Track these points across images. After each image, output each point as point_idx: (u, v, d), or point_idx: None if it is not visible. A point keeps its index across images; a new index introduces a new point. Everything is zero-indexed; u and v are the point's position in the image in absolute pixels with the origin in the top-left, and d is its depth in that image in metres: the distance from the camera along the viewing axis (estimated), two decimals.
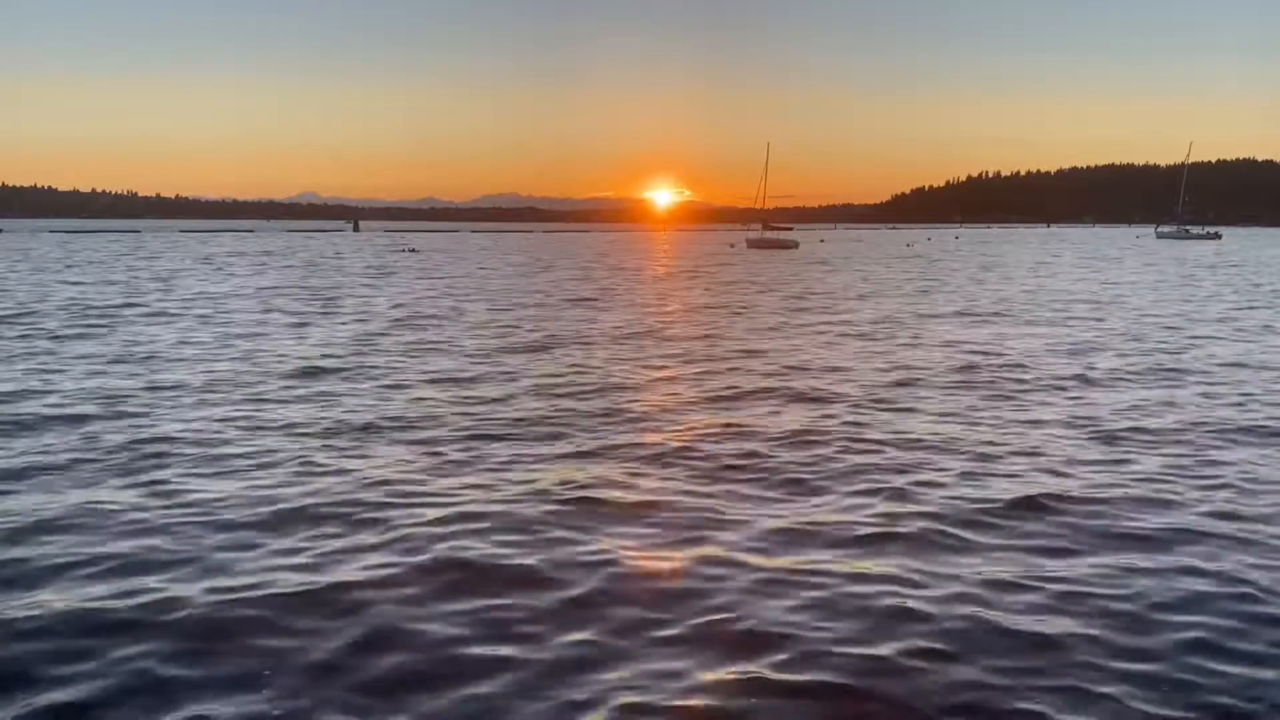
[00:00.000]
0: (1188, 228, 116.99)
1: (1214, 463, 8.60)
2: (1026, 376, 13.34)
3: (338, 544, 6.33)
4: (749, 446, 9.03)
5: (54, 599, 5.40)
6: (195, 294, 28.03)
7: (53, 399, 11.25)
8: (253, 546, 6.28)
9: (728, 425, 9.96)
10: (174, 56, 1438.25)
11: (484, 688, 4.50)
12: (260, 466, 8.27)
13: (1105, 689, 4.49)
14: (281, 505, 7.13)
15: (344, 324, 20.00)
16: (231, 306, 23.90)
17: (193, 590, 5.52)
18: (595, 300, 26.88)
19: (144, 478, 7.89)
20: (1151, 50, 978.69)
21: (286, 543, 6.35)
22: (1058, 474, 8.16)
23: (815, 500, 7.39)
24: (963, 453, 8.86)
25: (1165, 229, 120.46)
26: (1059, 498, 7.40)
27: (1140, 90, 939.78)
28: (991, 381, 12.92)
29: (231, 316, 21.47)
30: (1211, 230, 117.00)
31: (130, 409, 10.71)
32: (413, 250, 71.08)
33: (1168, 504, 7.34)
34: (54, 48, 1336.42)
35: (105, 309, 23.03)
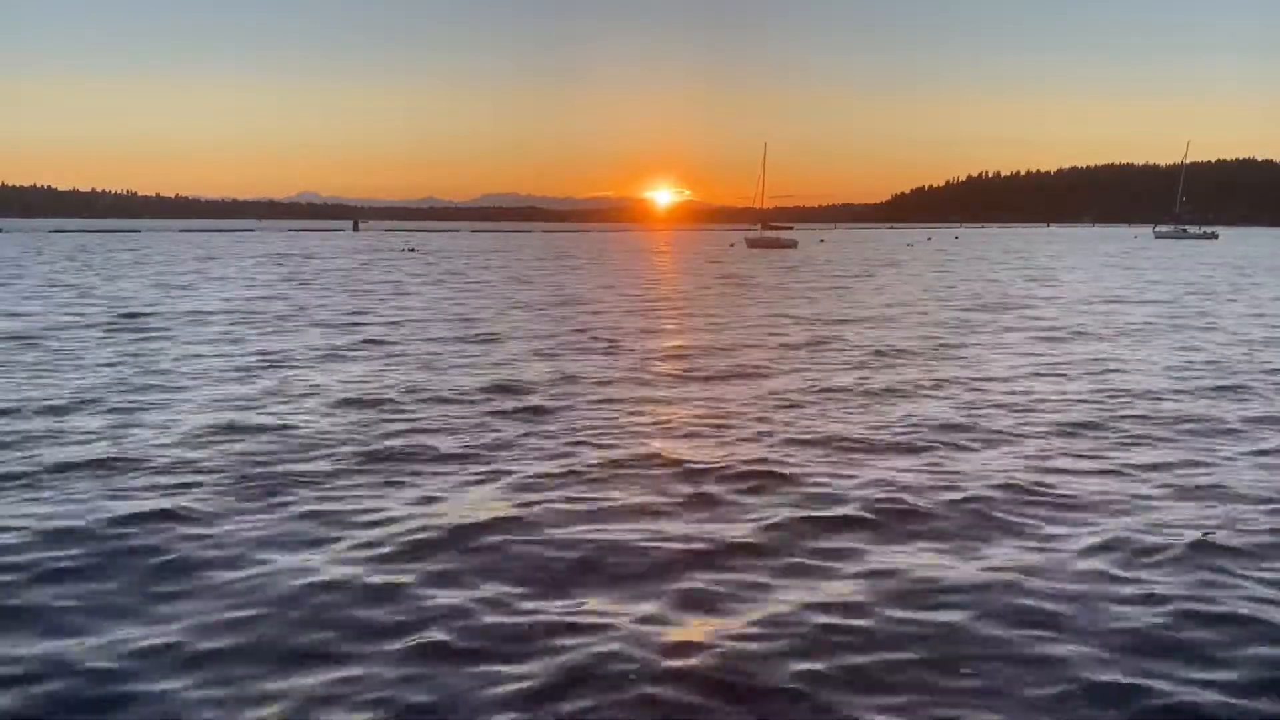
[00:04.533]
0: (1185, 228, 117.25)
1: None
2: None
3: None
4: None
5: None
6: None
7: None
8: None
9: None
10: (174, 56, 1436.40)
11: None
12: None
13: None
14: None
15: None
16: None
17: None
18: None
19: None
20: (1151, 50, 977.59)
21: None
22: None
23: None
24: None
25: (1163, 229, 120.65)
26: None
27: (1140, 90, 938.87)
28: None
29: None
30: (1209, 230, 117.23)
31: None
32: (412, 250, 71.44)
33: None
34: (54, 48, 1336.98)
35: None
